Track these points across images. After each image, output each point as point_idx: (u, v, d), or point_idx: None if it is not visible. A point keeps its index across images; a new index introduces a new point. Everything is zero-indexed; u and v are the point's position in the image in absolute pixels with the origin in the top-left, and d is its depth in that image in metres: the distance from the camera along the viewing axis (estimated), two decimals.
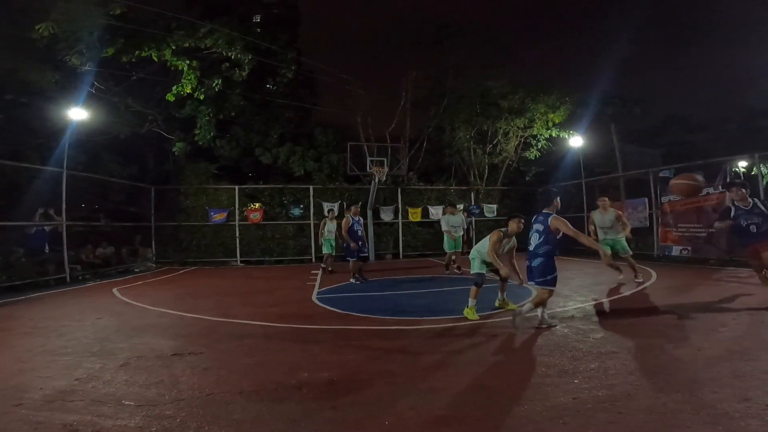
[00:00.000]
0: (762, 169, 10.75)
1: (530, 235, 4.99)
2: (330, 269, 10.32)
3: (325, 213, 12.37)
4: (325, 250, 10.52)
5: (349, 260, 9.01)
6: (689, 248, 10.70)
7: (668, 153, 17.23)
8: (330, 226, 10.34)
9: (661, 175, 11.67)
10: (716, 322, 4.69)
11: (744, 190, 5.61)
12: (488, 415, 2.65)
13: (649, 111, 17.88)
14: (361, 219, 9.69)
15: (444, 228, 10.08)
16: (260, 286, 8.89)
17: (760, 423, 2.38)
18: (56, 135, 10.81)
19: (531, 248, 4.90)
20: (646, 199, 12.10)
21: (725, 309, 5.38)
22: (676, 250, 11.04)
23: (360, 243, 8.97)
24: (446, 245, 10.07)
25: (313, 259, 13.85)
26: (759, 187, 9.69)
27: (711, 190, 10.31)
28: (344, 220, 9.10)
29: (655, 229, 11.76)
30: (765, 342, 3.90)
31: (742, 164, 13.16)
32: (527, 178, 17.39)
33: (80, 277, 9.98)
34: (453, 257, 9.97)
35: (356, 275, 8.90)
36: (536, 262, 4.80)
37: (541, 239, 4.78)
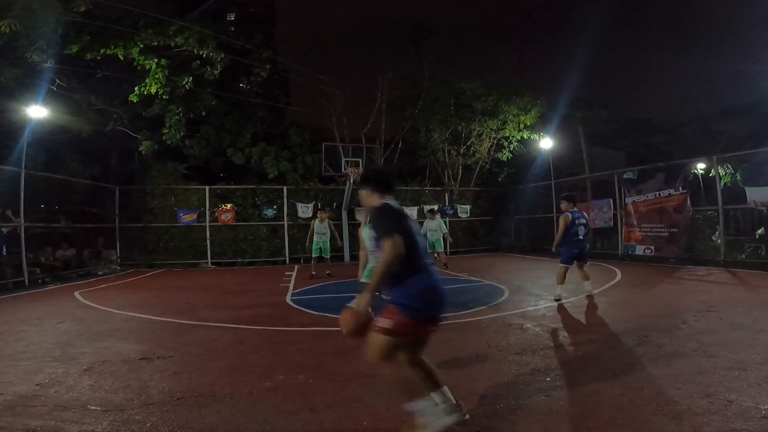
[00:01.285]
0: (720, 171, 11.33)
1: (577, 227, 6.21)
2: (313, 273, 9.74)
3: (299, 213, 12.28)
4: (314, 254, 9.90)
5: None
6: (652, 247, 11.15)
7: (630, 155, 17.85)
8: (319, 227, 9.87)
9: (625, 176, 12.11)
10: (677, 320, 4.89)
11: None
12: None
13: (612, 113, 18.53)
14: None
15: (422, 231, 10.43)
16: (232, 288, 8.70)
17: (722, 418, 2.47)
18: (14, 133, 10.29)
19: (581, 237, 6.23)
20: (611, 200, 12.53)
21: (686, 307, 5.62)
22: (639, 249, 11.48)
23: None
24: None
25: (287, 261, 13.67)
26: (717, 189, 10.22)
27: (672, 191, 10.79)
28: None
29: (619, 229, 12.19)
30: (724, 339, 4.06)
31: (701, 166, 13.84)
32: (499, 179, 17.71)
33: (40, 281, 9.58)
34: (435, 256, 10.59)
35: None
36: (586, 249, 6.43)
37: (588, 230, 6.33)
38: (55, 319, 5.72)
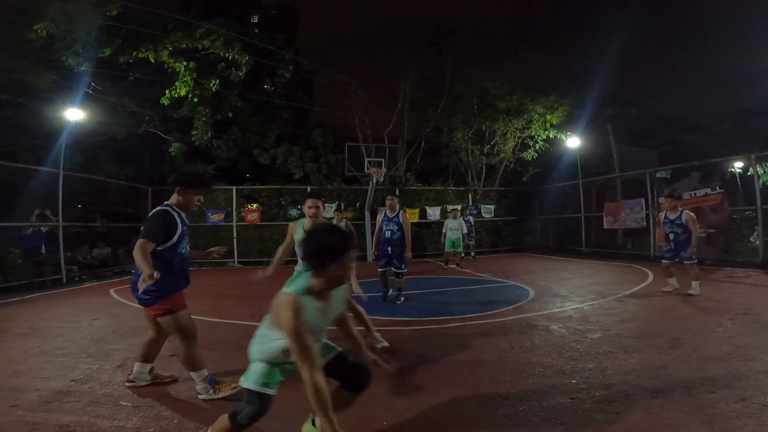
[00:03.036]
0: (758, 169, 10.82)
1: (670, 230, 6.53)
2: None
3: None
4: None
5: None
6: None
7: (663, 153, 17.25)
8: None
9: (657, 175, 11.71)
10: (713, 323, 4.71)
11: (678, 202, 6.75)
12: (485, 416, 2.65)
13: (643, 111, 17.94)
14: None
15: (443, 230, 11.41)
16: (258, 286, 8.85)
17: (757, 423, 2.39)
18: (53, 136, 10.76)
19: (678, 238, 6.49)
20: (643, 200, 12.14)
21: (722, 309, 5.40)
22: None
23: None
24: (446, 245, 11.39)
25: None
26: (755, 188, 9.76)
27: (709, 190, 10.37)
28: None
29: (651, 229, 11.80)
30: (761, 342, 3.90)
31: (738, 165, 13.25)
32: (524, 179, 17.42)
33: (77, 278, 9.95)
34: (452, 256, 11.33)
35: None
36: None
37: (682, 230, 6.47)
38: (91, 316, 5.96)
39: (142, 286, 2.61)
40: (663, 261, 6.80)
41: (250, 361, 2.16)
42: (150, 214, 3.11)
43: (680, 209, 6.59)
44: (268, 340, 2.09)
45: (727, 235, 10.11)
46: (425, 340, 4.47)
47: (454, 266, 10.92)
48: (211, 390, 3.01)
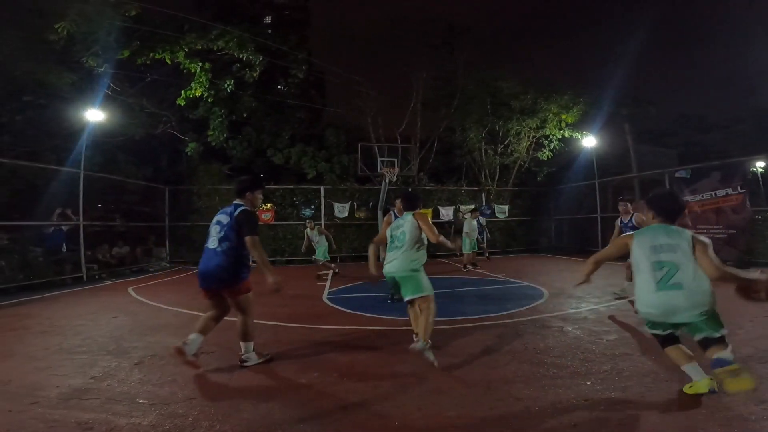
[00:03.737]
0: None
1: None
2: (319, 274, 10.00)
3: (336, 213, 12.40)
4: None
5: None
6: None
7: (683, 153, 16.89)
8: (312, 235, 10.03)
9: (677, 175, 11.47)
10: (733, 325, 4.59)
11: (629, 205, 6.65)
12: (497, 417, 2.64)
13: (662, 110, 17.59)
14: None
15: (466, 230, 11.08)
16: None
17: None
18: (73, 136, 11.01)
19: None
20: None
21: (742, 311, 5.26)
22: None
23: None
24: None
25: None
26: None
27: (730, 190, 10.12)
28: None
29: None
30: None
31: (761, 164, 12.90)
32: (539, 179, 17.23)
33: (96, 277, 10.15)
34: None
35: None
36: None
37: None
38: (110, 313, 6.08)
39: (273, 286, 3.50)
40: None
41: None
42: (244, 214, 3.57)
43: (632, 212, 6.60)
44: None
45: (749, 236, 9.86)
46: (438, 340, 4.45)
47: (471, 267, 10.82)
48: (255, 357, 3.69)
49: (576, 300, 6.35)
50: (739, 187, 9.96)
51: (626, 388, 2.99)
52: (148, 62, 11.59)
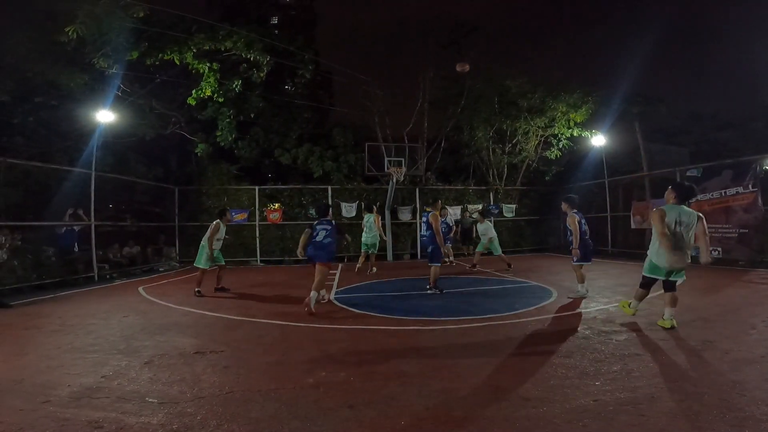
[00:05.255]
0: None
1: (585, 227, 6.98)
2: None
3: (343, 212, 12.37)
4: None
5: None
6: (719, 249, 10.35)
7: (695, 152, 16.62)
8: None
9: (688, 174, 11.32)
10: (746, 325, 4.54)
11: (566, 205, 7.05)
12: (504, 417, 2.63)
13: (674, 109, 17.34)
14: None
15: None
16: (279, 285, 9.01)
17: None
18: (85, 137, 11.12)
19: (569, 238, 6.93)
20: None
21: (755, 311, 5.19)
22: None
23: None
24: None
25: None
26: None
27: (741, 189, 9.97)
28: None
29: None
30: None
31: None
32: (547, 178, 17.11)
33: (108, 276, 10.26)
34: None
35: None
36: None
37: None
38: (121, 313, 6.15)
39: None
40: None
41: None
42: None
43: (567, 212, 6.86)
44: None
45: (762, 235, 9.70)
46: (445, 340, 4.45)
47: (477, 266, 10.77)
48: (320, 297, 5.54)
49: (585, 300, 6.30)
50: (750, 186, 9.81)
51: (636, 388, 2.96)
52: (157, 63, 11.68)
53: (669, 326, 4.48)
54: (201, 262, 7.91)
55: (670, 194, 4.68)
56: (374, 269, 10.56)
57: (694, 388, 2.89)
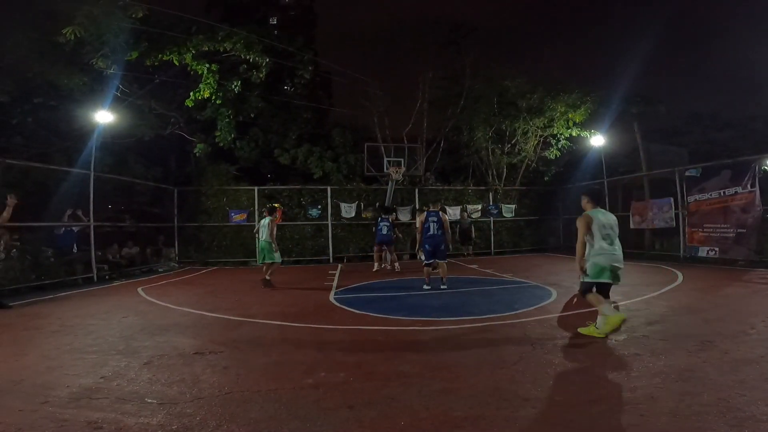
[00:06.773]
0: None
1: None
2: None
3: (343, 213, 12.45)
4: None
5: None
6: (716, 249, 10.37)
7: (695, 151, 16.65)
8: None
9: (687, 174, 11.34)
10: (745, 325, 4.54)
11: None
12: (504, 417, 2.63)
13: (673, 109, 17.37)
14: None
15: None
16: (278, 285, 8.99)
17: None
18: (84, 138, 11.09)
19: None
20: (672, 199, 11.77)
21: (755, 311, 5.20)
22: (703, 251, 10.72)
23: None
24: None
25: (331, 260, 13.95)
26: None
27: (739, 189, 9.99)
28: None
29: (681, 229, 11.43)
30: None
31: None
32: (546, 178, 17.12)
33: (107, 277, 10.23)
34: None
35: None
36: None
37: None
38: (121, 313, 6.14)
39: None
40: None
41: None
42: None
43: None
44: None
45: (760, 235, 9.71)
46: (445, 340, 4.45)
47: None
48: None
49: (585, 300, 6.29)
50: (749, 186, 9.82)
51: (636, 388, 2.96)
52: (156, 64, 11.67)
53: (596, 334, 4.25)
54: (274, 257, 8.56)
55: (587, 202, 4.71)
56: (397, 266, 11.03)
57: (694, 388, 2.89)
